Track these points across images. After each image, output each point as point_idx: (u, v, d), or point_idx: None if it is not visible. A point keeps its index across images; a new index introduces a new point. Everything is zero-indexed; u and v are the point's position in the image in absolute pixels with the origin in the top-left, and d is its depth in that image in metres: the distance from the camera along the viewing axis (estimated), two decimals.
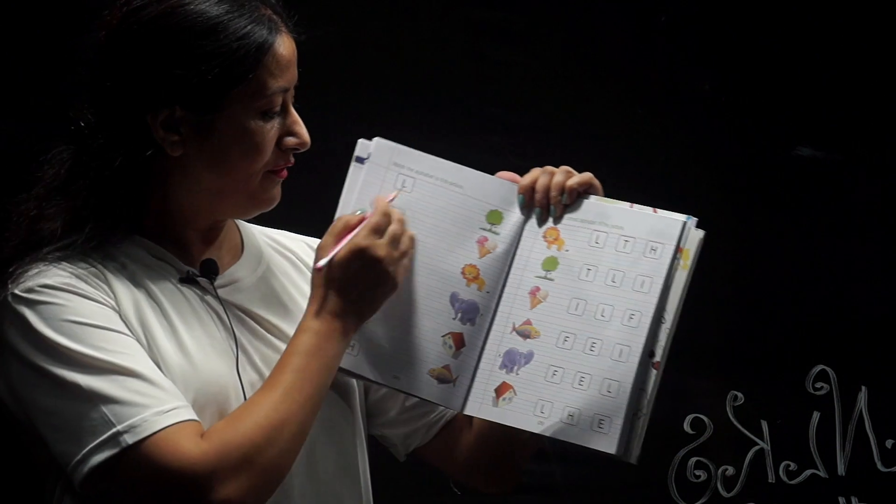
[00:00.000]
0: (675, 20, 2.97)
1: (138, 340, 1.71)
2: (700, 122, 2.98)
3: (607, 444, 1.75)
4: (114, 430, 1.64)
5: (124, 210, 1.76)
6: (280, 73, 1.75)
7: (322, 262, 1.74)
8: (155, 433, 1.63)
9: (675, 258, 1.78)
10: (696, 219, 1.80)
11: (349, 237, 1.75)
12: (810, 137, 3.00)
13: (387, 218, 1.77)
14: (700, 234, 1.79)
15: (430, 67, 2.91)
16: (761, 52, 2.98)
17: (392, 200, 1.80)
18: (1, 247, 1.77)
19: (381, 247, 1.75)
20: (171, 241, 1.80)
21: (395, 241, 1.76)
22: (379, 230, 1.75)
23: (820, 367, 2.99)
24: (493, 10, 2.95)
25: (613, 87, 2.97)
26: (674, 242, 1.78)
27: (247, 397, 1.74)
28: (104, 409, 1.64)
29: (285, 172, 1.80)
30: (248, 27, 1.73)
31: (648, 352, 1.76)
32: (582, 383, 1.77)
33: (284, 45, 1.76)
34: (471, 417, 1.88)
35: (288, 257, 1.92)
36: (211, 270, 1.80)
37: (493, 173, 1.87)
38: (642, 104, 2.97)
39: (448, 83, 2.92)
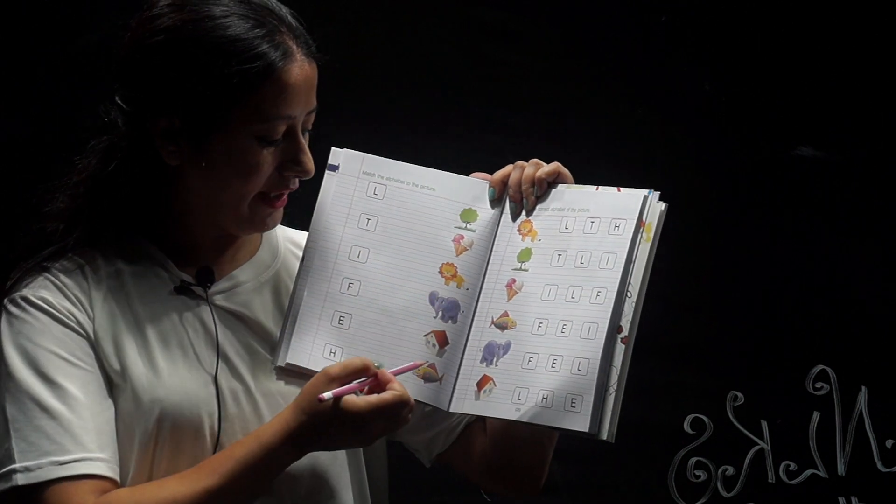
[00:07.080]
0: (675, 20, 2.97)
1: (103, 358, 1.72)
2: (700, 122, 2.98)
3: (580, 422, 1.74)
4: (12, 465, 1.67)
5: (122, 211, 1.78)
6: (283, 101, 1.71)
7: (327, 396, 1.68)
8: (44, 482, 1.65)
9: (637, 232, 1.78)
10: (658, 192, 1.80)
11: (351, 385, 1.70)
12: (810, 137, 2.99)
13: (406, 404, 1.71)
14: (662, 206, 1.79)
15: (430, 67, 2.91)
16: (761, 52, 2.98)
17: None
18: (11, 246, 1.80)
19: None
20: (177, 247, 1.80)
21: (394, 421, 1.72)
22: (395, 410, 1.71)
23: (820, 367, 2.98)
24: (493, 10, 2.95)
25: (613, 88, 2.97)
26: (635, 217, 1.78)
27: (221, 407, 1.74)
28: (13, 442, 1.67)
29: (283, 201, 1.79)
30: (256, 51, 1.70)
31: (615, 327, 1.76)
32: (555, 366, 1.77)
33: (294, 73, 1.72)
34: (485, 420, 1.89)
35: None
36: (206, 278, 1.80)
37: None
38: (642, 104, 2.97)
39: (448, 83, 2.92)
